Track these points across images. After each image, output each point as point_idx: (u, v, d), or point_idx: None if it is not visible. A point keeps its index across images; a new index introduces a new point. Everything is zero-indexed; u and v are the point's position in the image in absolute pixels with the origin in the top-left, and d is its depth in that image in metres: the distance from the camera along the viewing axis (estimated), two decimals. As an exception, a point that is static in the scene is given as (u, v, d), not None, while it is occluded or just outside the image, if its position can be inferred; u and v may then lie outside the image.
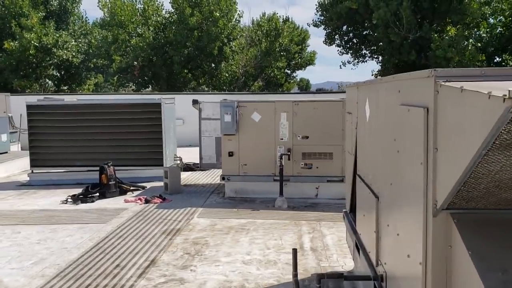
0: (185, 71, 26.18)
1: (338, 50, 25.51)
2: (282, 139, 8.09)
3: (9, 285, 4.56)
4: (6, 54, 24.54)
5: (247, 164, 8.24)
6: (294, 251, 3.80)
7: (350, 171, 4.49)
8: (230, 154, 8.24)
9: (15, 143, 14.37)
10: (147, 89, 26.18)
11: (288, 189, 7.95)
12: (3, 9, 24.80)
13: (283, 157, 7.82)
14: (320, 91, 43.78)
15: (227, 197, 8.35)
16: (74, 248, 5.64)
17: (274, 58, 26.19)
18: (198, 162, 11.89)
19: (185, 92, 22.66)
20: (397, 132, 2.48)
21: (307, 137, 8.01)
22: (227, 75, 25.10)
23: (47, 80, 29.44)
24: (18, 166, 12.10)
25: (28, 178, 10.34)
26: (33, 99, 15.53)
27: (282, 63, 29.55)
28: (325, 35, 24.78)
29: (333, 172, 7.97)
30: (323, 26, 24.32)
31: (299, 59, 34.08)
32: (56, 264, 5.11)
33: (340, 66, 25.03)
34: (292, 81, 37.68)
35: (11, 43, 24.08)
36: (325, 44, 25.04)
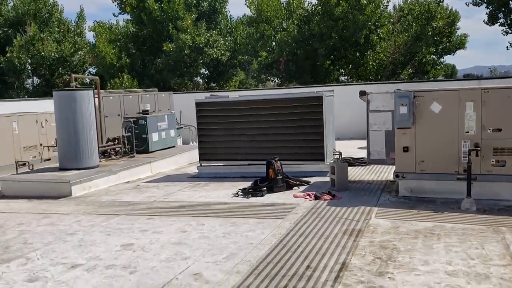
0: (328, 62, 25.74)
1: (502, 30, 22.65)
2: (468, 132, 7.16)
3: (209, 280, 4.65)
4: (165, 56, 26.88)
5: (424, 160, 7.50)
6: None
7: None
8: (405, 149, 7.58)
9: (179, 138, 15.53)
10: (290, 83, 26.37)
11: (475, 190, 6.99)
12: (162, 14, 27.14)
13: (471, 153, 6.91)
14: (468, 77, 39.54)
15: (401, 196, 7.71)
16: (260, 244, 5.62)
17: (426, 43, 24.27)
18: (358, 156, 11.52)
19: (331, 84, 22.21)
20: None
21: (499, 130, 6.97)
22: (374, 64, 24.00)
23: (198, 78, 31.64)
24: (185, 159, 12.97)
25: (197, 171, 10.95)
26: (188, 97, 16.70)
27: (433, 48, 27.35)
28: (486, 14, 22.19)
29: (533, 171, 6.81)
30: (485, 5, 21.78)
31: (448, 43, 31.28)
32: (247, 260, 5.12)
33: (507, 47, 22.08)
34: (439, 67, 34.80)
35: (169, 45, 26.27)
36: (487, 24, 22.41)
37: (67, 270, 5.14)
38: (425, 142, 7.45)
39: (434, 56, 30.98)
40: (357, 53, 24.61)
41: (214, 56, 27.04)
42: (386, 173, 9.82)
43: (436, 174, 7.43)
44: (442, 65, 35.07)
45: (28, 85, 29.33)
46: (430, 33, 24.65)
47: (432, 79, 29.68)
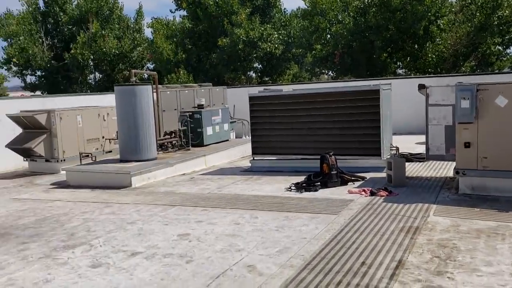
0: (385, 55, 25.01)
1: None
2: (537, 127, 6.75)
3: (263, 272, 4.70)
4: (219, 50, 27.24)
5: (487, 157, 7.14)
6: None
7: None
8: (467, 145, 7.25)
9: (232, 132, 15.72)
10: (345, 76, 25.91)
11: (544, 188, 6.60)
12: (217, 9, 27.51)
13: (540, 149, 6.51)
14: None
15: (462, 194, 7.39)
16: (313, 239, 5.61)
17: (491, 34, 22.96)
18: (416, 152, 11.16)
19: (388, 77, 21.59)
20: None
21: None
22: (433, 56, 23.03)
23: (251, 73, 31.82)
24: (238, 153, 13.11)
25: (249, 164, 11.05)
26: (242, 91, 16.87)
27: (499, 38, 25.80)
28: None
29: None
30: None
31: (515, 33, 29.35)
32: (300, 254, 5.12)
33: None
34: (505, 58, 32.82)
35: (224, 40, 26.59)
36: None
37: (127, 257, 5.38)
38: (489, 137, 7.09)
39: (499, 47, 29.18)
40: (416, 45, 23.71)
41: (268, 50, 27.07)
42: (445, 169, 9.45)
43: (500, 172, 7.06)
44: (508, 56, 33.06)
45: (90, 80, 30.75)
46: (496, 22, 23.26)
47: (497, 71, 28.07)
